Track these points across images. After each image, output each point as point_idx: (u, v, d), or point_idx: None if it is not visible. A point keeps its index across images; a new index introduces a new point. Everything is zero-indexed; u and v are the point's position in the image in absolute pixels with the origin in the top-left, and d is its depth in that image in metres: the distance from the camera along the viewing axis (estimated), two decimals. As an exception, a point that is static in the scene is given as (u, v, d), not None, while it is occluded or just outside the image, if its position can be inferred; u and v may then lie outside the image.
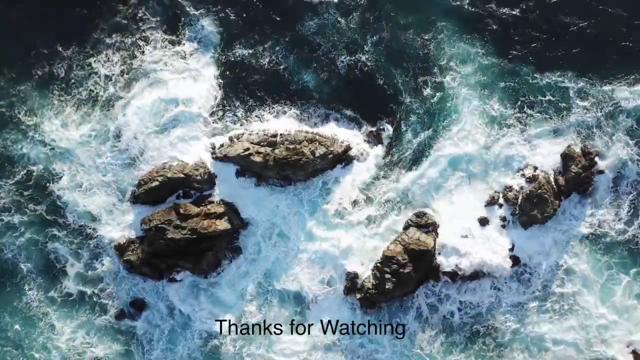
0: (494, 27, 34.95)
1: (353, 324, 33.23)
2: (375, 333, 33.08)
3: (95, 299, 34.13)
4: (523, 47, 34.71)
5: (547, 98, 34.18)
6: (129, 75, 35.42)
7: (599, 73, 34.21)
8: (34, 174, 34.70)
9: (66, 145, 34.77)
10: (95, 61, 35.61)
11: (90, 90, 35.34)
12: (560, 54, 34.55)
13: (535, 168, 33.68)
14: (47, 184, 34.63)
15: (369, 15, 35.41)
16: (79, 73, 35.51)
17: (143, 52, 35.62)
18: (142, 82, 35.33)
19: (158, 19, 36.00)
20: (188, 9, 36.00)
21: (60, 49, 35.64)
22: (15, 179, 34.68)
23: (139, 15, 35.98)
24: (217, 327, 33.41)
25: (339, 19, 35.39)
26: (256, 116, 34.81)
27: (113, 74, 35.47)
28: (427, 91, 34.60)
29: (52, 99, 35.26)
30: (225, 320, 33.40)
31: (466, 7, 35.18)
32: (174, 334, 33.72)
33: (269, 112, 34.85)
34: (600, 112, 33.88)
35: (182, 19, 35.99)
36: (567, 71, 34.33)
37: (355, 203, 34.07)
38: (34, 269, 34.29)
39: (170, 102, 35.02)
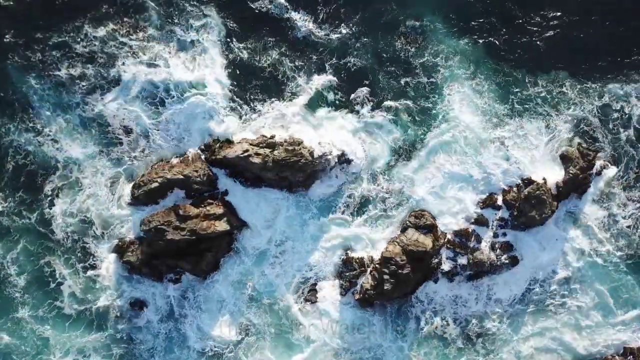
0: (486, 25, 34.73)
1: (353, 325, 33.43)
2: (376, 334, 33.31)
3: (93, 308, 33.94)
4: (515, 46, 34.45)
5: (540, 97, 34.01)
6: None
7: (593, 72, 34.07)
8: (24, 170, 34.13)
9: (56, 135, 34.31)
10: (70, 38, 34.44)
11: (72, 68, 34.42)
12: (552, 52, 34.32)
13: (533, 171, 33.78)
14: (40, 182, 34.19)
15: (356, 15, 35.15)
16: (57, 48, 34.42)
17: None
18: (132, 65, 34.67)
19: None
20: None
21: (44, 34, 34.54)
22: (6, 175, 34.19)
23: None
24: (216, 330, 33.63)
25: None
26: (256, 116, 34.71)
27: (94, 53, 34.59)
28: (421, 91, 34.47)
29: (33, 77, 34.32)
30: (225, 321, 33.64)
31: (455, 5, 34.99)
32: (173, 341, 33.86)
33: (268, 112, 34.69)
34: (596, 111, 33.83)
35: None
36: (560, 70, 34.19)
37: (354, 204, 34.14)
38: (27, 276, 33.85)
39: (165, 89, 34.59)
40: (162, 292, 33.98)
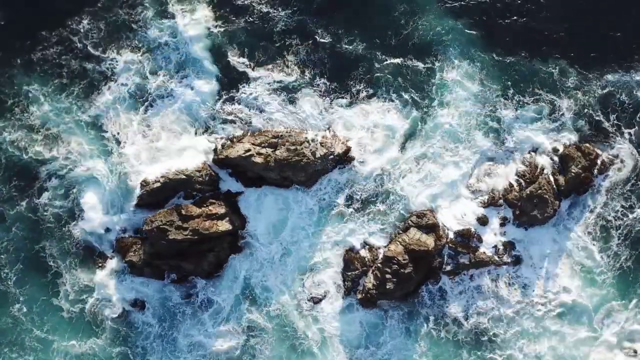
0: (483, 14, 34.66)
1: (362, 327, 33.50)
2: (382, 336, 33.36)
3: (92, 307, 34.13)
4: (513, 37, 34.31)
5: (538, 92, 33.85)
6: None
7: (592, 63, 33.76)
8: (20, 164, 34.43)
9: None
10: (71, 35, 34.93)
11: (71, 69, 34.84)
12: (549, 41, 34.10)
13: (535, 167, 33.72)
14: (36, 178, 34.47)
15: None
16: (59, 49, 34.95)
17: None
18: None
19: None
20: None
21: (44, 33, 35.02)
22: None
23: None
24: (217, 334, 33.63)
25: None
26: (256, 115, 34.69)
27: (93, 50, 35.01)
28: (417, 77, 34.39)
29: (36, 78, 34.72)
30: (226, 325, 33.66)
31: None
32: (172, 343, 33.87)
33: (268, 112, 34.69)
34: (595, 106, 33.64)
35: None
36: (559, 56, 33.91)
37: (356, 203, 34.10)
38: (25, 275, 34.02)
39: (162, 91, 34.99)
40: (163, 293, 34.04)
